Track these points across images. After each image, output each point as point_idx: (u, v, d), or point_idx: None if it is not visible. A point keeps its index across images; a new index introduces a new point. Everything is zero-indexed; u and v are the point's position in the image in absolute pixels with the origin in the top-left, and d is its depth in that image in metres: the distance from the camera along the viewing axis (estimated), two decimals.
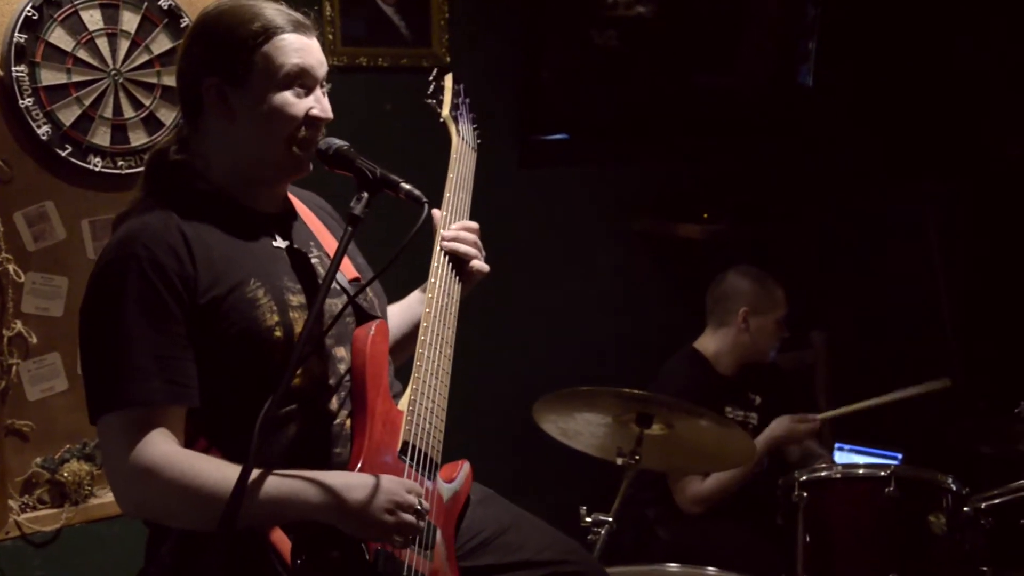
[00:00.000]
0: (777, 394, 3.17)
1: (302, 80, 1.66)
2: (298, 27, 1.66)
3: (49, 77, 2.39)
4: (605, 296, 3.57)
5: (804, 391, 3.69)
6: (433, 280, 1.85)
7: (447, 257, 1.89)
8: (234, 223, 1.67)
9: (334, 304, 1.71)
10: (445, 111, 2.13)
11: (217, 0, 1.69)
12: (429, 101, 2.16)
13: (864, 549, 2.53)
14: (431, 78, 2.18)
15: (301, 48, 1.65)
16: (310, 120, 1.67)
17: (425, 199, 1.66)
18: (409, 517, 1.57)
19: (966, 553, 2.47)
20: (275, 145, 1.66)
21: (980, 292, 3.87)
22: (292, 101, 1.65)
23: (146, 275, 1.55)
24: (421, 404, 1.72)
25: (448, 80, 2.19)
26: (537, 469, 3.23)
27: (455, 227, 1.92)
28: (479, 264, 1.91)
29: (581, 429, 2.57)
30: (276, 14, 1.66)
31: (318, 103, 1.68)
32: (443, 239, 1.89)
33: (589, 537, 2.40)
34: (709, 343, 3.13)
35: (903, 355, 3.85)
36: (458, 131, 2.11)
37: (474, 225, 1.95)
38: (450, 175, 2.01)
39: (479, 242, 1.93)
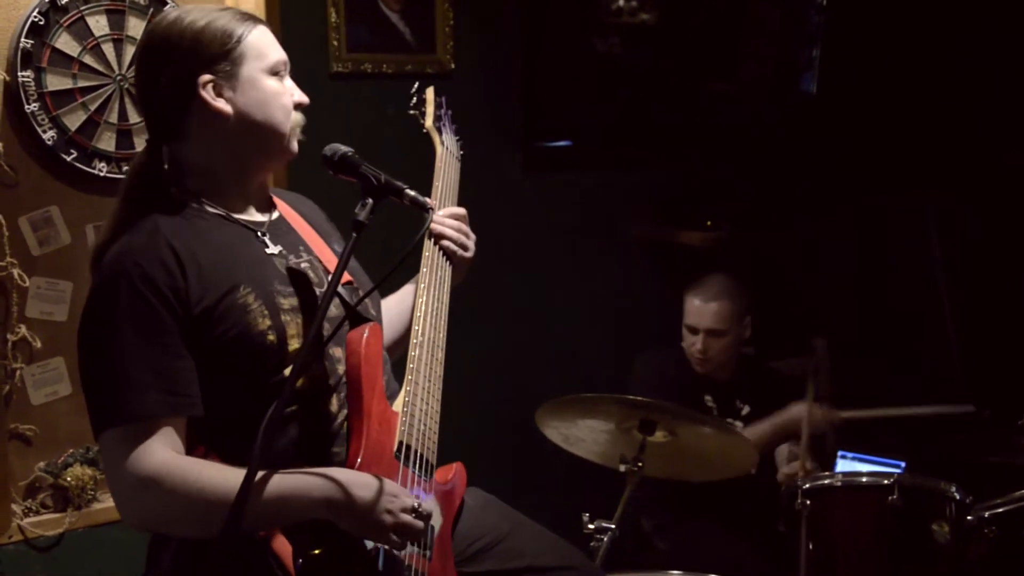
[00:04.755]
0: (774, 403, 3.15)
1: (282, 70, 1.72)
2: (260, 21, 1.72)
3: (55, 82, 2.40)
4: (608, 302, 3.57)
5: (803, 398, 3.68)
6: (423, 284, 1.88)
7: (436, 260, 1.92)
8: (220, 231, 1.68)
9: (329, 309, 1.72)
10: (428, 122, 2.20)
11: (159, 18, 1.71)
12: (412, 112, 2.23)
13: (867, 558, 2.52)
14: (412, 91, 2.25)
15: (274, 40, 1.72)
16: (296, 105, 1.73)
17: (430, 205, 1.67)
18: (406, 518, 1.58)
19: (969, 562, 2.46)
20: (272, 131, 1.69)
21: (983, 300, 3.87)
22: (281, 89, 1.71)
23: (138, 290, 1.55)
24: (415, 405, 1.74)
25: (430, 92, 2.26)
26: (539, 475, 3.23)
27: (443, 212, 1.98)
28: (462, 253, 1.97)
29: (584, 435, 2.57)
30: (238, 11, 1.72)
31: (295, 89, 1.74)
32: (431, 227, 1.94)
33: (591, 544, 2.40)
34: None
35: (905, 363, 3.85)
36: (442, 141, 2.16)
37: (461, 211, 2.00)
38: (436, 183, 2.06)
39: (466, 228, 1.98)
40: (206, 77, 1.64)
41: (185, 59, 1.65)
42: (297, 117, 1.73)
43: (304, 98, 1.74)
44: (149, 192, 1.68)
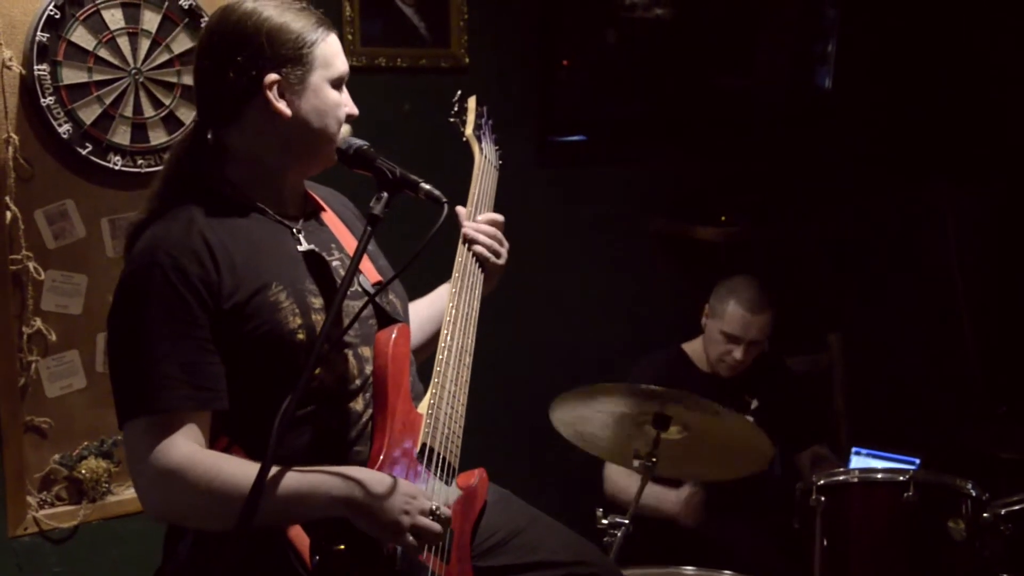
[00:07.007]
0: (785, 398, 3.13)
1: (343, 81, 1.73)
2: (332, 28, 1.72)
3: (70, 76, 2.40)
4: (622, 298, 3.56)
5: (819, 394, 3.67)
6: (454, 289, 1.88)
7: (468, 266, 1.92)
8: (256, 227, 1.68)
9: (354, 306, 1.71)
10: (468, 130, 2.20)
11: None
12: (452, 120, 2.23)
13: (882, 554, 2.51)
14: (454, 100, 2.24)
15: (341, 50, 1.73)
16: (347, 118, 1.74)
17: (445, 199, 1.66)
18: (423, 520, 1.58)
19: (985, 559, 2.45)
20: (323, 140, 1.70)
21: (999, 295, 3.85)
22: (339, 100, 1.71)
23: (170, 281, 1.56)
24: (440, 409, 1.74)
25: (472, 101, 2.26)
26: (554, 470, 3.22)
27: (480, 218, 1.98)
28: (494, 260, 1.96)
29: (597, 432, 2.56)
30: (315, 13, 1.71)
31: (350, 101, 1.74)
32: (464, 232, 1.94)
33: (605, 539, 2.40)
34: (696, 342, 3.12)
35: (921, 358, 3.84)
36: (481, 149, 2.17)
37: (498, 218, 2.00)
38: (472, 190, 2.06)
39: (500, 235, 1.99)
40: (273, 77, 1.64)
41: (256, 55, 1.64)
42: (346, 128, 1.74)
43: (356, 111, 1.75)
44: (190, 175, 1.69)
